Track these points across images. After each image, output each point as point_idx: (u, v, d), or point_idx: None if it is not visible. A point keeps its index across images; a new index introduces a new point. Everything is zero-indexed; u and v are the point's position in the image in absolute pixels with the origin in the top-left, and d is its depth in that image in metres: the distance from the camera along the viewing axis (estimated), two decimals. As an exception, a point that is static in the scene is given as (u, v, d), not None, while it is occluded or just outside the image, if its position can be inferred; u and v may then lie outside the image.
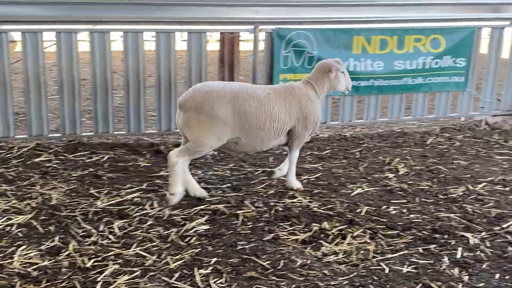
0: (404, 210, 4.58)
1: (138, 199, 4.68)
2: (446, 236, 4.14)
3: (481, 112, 7.05)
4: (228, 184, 5.04)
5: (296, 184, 4.92)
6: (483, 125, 6.96)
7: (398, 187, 5.06)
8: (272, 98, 4.61)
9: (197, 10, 5.89)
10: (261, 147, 4.76)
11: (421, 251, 3.92)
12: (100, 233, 4.07)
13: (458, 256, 3.85)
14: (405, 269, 3.67)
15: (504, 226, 4.33)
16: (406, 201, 4.78)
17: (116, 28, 6.11)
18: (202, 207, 4.54)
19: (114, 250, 3.82)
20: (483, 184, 5.16)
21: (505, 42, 6.91)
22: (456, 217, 4.47)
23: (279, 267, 3.64)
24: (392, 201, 4.76)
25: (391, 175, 5.34)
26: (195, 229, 4.16)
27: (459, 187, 5.07)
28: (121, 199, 4.65)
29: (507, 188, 5.07)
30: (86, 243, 3.92)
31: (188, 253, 3.80)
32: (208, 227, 4.22)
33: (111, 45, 5.86)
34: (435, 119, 7.04)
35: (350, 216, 4.43)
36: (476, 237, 4.13)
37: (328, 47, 6.19)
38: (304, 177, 5.21)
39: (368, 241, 4.05)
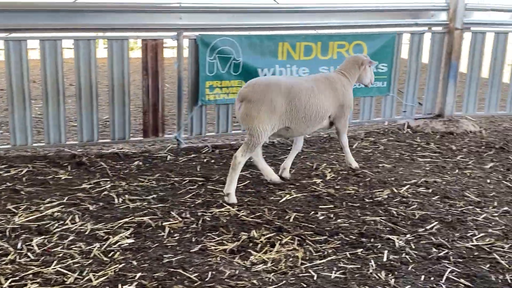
0: (332, 215, 4.60)
1: (59, 214, 4.47)
2: (372, 240, 4.18)
3: (403, 116, 7.23)
4: (154, 195, 4.90)
5: (354, 163, 5.59)
6: (406, 128, 7.14)
7: (325, 192, 5.08)
8: (316, 90, 5.08)
9: (118, 17, 5.74)
10: (307, 132, 5.31)
11: (348, 255, 3.94)
12: (18, 251, 3.85)
13: (384, 259, 3.89)
14: (333, 275, 3.67)
15: (428, 227, 4.42)
16: (333, 206, 4.80)
17: (33, 36, 5.83)
18: (127, 220, 4.38)
19: (33, 269, 3.62)
20: (407, 186, 5.26)
21: (425, 47, 7.11)
22: (382, 220, 4.52)
23: (207, 279, 3.55)
24: (320, 207, 4.77)
25: (318, 181, 5.36)
26: (119, 243, 4.01)
27: (384, 190, 5.15)
28: (40, 215, 4.43)
29: (430, 190, 5.19)
30: (3, 262, 3.70)
31: (111, 269, 3.65)
32: (133, 240, 4.07)
33: (28, 54, 5.61)
34: (360, 123, 7.16)
35: (278, 223, 4.39)
36: (401, 240, 4.19)
37: (253, 53, 6.17)
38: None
39: (297, 248, 4.02)
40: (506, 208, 4.84)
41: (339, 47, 6.52)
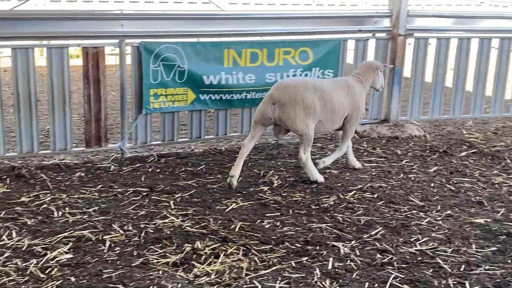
0: (278, 223, 4.56)
1: (-6, 229, 4.29)
2: (318, 247, 4.16)
3: (350, 122, 7.26)
4: (95, 208, 4.76)
5: (357, 164, 5.90)
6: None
7: (272, 200, 5.04)
8: (337, 89, 5.47)
9: (58, 24, 5.56)
10: (331, 128, 5.66)
11: (293, 264, 3.90)
12: None
13: (329, 267, 3.87)
14: (277, 285, 3.62)
15: (373, 233, 4.43)
16: (280, 213, 4.76)
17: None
18: (66, 234, 4.23)
19: (-37, 290, 3.45)
20: (353, 192, 5.28)
21: (370, 53, 7.19)
22: (327, 227, 4.51)
23: (148, 294, 3.46)
24: (266, 215, 4.72)
25: (265, 188, 5.32)
26: (57, 259, 3.87)
27: (331, 197, 5.15)
28: (-26, 231, 4.24)
29: (375, 195, 5.22)
30: None
31: (48, 286, 3.51)
32: (72, 255, 3.93)
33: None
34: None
35: (223, 233, 4.33)
36: (346, 246, 4.18)
37: (199, 60, 6.09)
38: (177, 195, 5.05)
39: (242, 258, 3.96)
40: (449, 211, 4.91)
41: (285, 53, 6.51)
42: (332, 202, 5.02)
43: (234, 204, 4.91)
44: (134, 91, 5.93)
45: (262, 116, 5.30)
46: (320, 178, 5.44)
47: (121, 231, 4.30)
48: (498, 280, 3.77)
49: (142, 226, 4.42)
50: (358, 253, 4.08)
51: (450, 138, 7.17)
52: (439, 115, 7.59)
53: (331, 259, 3.97)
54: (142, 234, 4.26)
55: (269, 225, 4.52)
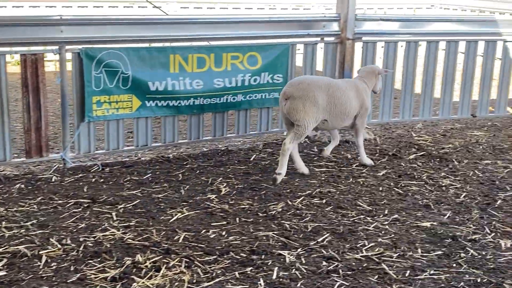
0: (224, 233, 4.46)
1: None
2: (263, 257, 4.08)
3: (301, 126, 7.22)
4: (33, 221, 4.56)
5: (367, 160, 6.15)
6: (304, 138, 7.13)
7: (219, 208, 4.93)
8: (348, 89, 5.86)
9: (-7, 30, 5.34)
10: (340, 126, 6.06)
11: (237, 275, 3.81)
12: None
13: (274, 276, 3.79)
14: (219, 298, 3.52)
15: (320, 240, 4.37)
16: (226, 222, 4.66)
17: None
18: (0, 250, 4.03)
19: None
20: (302, 198, 5.22)
21: (320, 57, 7.16)
22: (274, 235, 4.43)
23: (83, 312, 3.30)
24: (212, 224, 4.62)
25: (213, 196, 5.21)
26: (-12, 277, 3.67)
27: (279, 203, 5.08)
28: None
29: (324, 201, 5.17)
30: None
31: (-23, 308, 3.32)
32: (5, 273, 3.74)
33: None
34: (259, 134, 7.09)
35: (166, 245, 4.20)
36: (292, 255, 4.11)
37: (143, 66, 5.94)
38: (120, 206, 4.89)
39: (184, 270, 3.85)
40: (396, 215, 4.90)
41: (233, 58, 6.42)
42: (280, 209, 4.95)
43: (179, 214, 4.78)
44: (76, 98, 5.74)
45: (282, 115, 5.85)
46: (283, 173, 5.59)
47: (59, 246, 4.13)
48: (442, 285, 3.76)
49: (81, 239, 4.25)
50: (303, 261, 4.02)
51: (400, 141, 7.20)
52: (389, 118, 7.62)
53: (276, 268, 3.89)
54: (81, 248, 4.10)
55: (214, 235, 4.41)
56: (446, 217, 4.91)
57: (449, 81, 7.70)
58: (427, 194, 5.44)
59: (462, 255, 4.19)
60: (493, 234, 4.58)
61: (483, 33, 7.84)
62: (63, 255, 4.00)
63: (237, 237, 4.39)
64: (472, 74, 7.74)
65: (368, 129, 7.45)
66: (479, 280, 3.84)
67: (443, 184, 5.70)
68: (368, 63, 7.29)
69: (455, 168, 6.19)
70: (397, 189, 5.55)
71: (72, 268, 3.82)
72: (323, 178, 5.81)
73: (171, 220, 4.66)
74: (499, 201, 5.28)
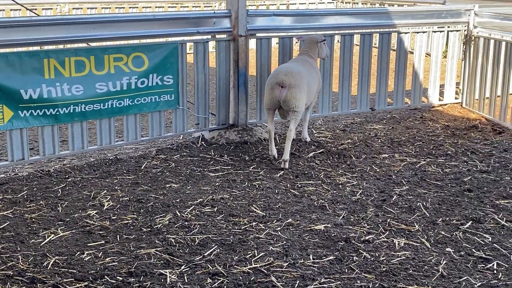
0: (100, 254, 4.04)
1: None
2: (142, 278, 3.71)
3: (197, 129, 6.88)
4: None
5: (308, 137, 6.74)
6: (200, 141, 6.80)
7: (98, 226, 4.50)
8: (311, 68, 6.36)
9: None
10: (313, 102, 6.64)
11: (110, 303, 3.41)
12: None
13: (151, 301, 3.42)
14: (85, 333, 3.11)
15: (206, 253, 4.05)
16: (104, 241, 4.25)
17: None
18: None
19: None
20: (192, 207, 4.88)
21: (212, 54, 6.85)
22: (157, 252, 4.07)
23: None
24: (88, 245, 4.19)
25: (93, 212, 4.77)
26: None
27: (167, 215, 4.71)
28: None
29: (215, 209, 4.86)
30: None
31: None
32: None
33: None
34: (152, 140, 6.67)
35: (32, 273, 3.73)
36: (174, 273, 3.76)
37: (13, 73, 5.38)
38: (-16, 231, 4.36)
39: (49, 302, 3.41)
40: (290, 220, 4.65)
41: (116, 60, 5.96)
42: (167, 222, 4.58)
43: (52, 235, 4.31)
44: None
45: (272, 101, 6.00)
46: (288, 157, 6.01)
47: None
48: (333, 294, 3.54)
49: None
50: (186, 280, 3.68)
51: (300, 139, 6.99)
52: (289, 116, 7.39)
53: (154, 291, 3.53)
54: None
55: (89, 257, 3.99)
56: (341, 217, 4.72)
57: (346, 75, 7.60)
58: (323, 194, 5.25)
59: (355, 258, 4.00)
60: (387, 233, 4.43)
61: (377, 25, 7.79)
62: None
63: (115, 257, 3.98)
64: (368, 67, 7.68)
65: (264, 128, 7.21)
66: (370, 285, 3.64)
67: (340, 182, 5.53)
68: (264, 60, 7.05)
69: (353, 164, 6.06)
70: (293, 191, 5.32)
71: None
72: (217, 184, 5.49)
73: (42, 243, 4.19)
74: (394, 197, 5.16)
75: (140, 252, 4.06)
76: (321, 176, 5.68)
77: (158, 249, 4.11)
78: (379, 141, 6.93)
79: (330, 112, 7.71)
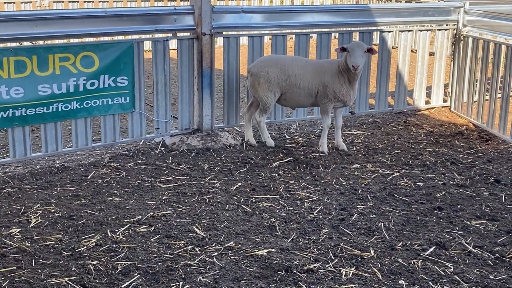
0: (5, 284, 3.57)
1: None
2: (41, 316, 3.23)
3: (157, 134, 6.40)
4: None
5: (324, 148, 6.22)
6: (160, 147, 6.31)
7: (16, 248, 4.04)
8: (306, 66, 6.20)
9: None
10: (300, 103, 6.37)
11: None
12: None
13: None
14: None
15: (124, 285, 3.57)
16: (16, 267, 3.79)
17: None
18: None
19: None
20: (127, 226, 4.40)
21: (173, 54, 6.37)
22: (69, 282, 3.61)
23: None
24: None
25: (16, 231, 4.31)
26: None
27: (96, 235, 4.24)
28: None
29: (153, 228, 4.38)
30: None
31: None
32: None
33: None
34: (106, 146, 6.20)
35: None
36: (80, 310, 3.29)
37: None
38: None
39: None
40: (231, 243, 4.16)
41: (62, 60, 5.50)
42: (93, 244, 4.11)
43: (-40, 259, 3.85)
44: None
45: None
46: (268, 138, 6.32)
47: None
48: None
49: None
50: (91, 319, 3.20)
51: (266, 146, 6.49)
52: (260, 120, 6.89)
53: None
54: None
55: (-10, 288, 3.52)
56: (289, 240, 4.22)
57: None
58: (277, 211, 4.75)
59: (292, 293, 3.51)
60: (336, 260, 3.93)
61: (358, 23, 7.26)
62: None
63: (17, 288, 3.52)
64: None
65: (234, 134, 6.72)
66: (301, 329, 3.15)
67: (299, 197, 5.03)
68: (231, 60, 6.56)
69: (318, 176, 5.55)
70: (245, 207, 4.83)
71: None
72: (164, 197, 5.01)
73: None
74: (355, 215, 4.65)
75: (51, 281, 3.60)
76: (281, 190, 5.19)
77: (72, 278, 3.64)
78: (354, 148, 6.41)
79: (306, 116, 7.21)
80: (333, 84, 6.00)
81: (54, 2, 11.78)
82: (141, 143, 6.51)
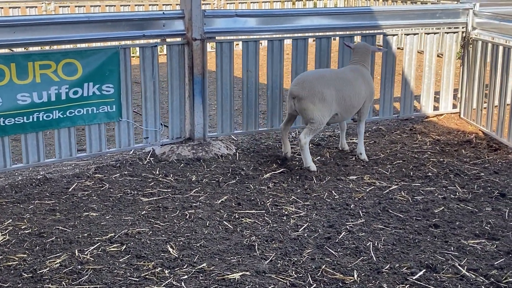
0: (-47, 309, 3.34)
1: None
2: None
3: (145, 143, 6.15)
4: None
5: (365, 156, 6.05)
6: (149, 157, 6.06)
7: (-25, 269, 3.81)
8: (354, 77, 5.94)
9: None
10: (348, 117, 6.12)
11: None
12: None
13: None
14: None
15: (80, 312, 3.31)
16: (-30, 291, 3.55)
17: None
18: None
19: None
20: (97, 245, 4.15)
21: (162, 60, 6.12)
22: (21, 308, 3.35)
23: None
24: (-51, 295, 3.50)
25: (-20, 249, 4.08)
26: None
27: (62, 255, 3.99)
28: None
29: (123, 247, 4.11)
30: None
31: None
32: None
33: None
34: (91, 157, 5.97)
35: None
36: None
37: None
38: None
39: None
40: (204, 264, 3.88)
41: (42, 68, 5.28)
42: (57, 265, 3.87)
43: None
44: None
45: (290, 109, 5.76)
46: (313, 166, 5.66)
47: None
48: None
49: None
50: None
51: (264, 154, 6.20)
52: (255, 128, 6.61)
53: None
54: None
55: None
56: (267, 261, 3.92)
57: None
58: (260, 228, 4.45)
59: (260, 324, 3.20)
60: (314, 285, 3.62)
61: (360, 26, 6.92)
62: None
63: (-31, 315, 3.28)
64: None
65: (228, 142, 6.44)
66: None
67: (286, 213, 4.72)
68: (224, 66, 6.27)
69: (310, 189, 5.23)
70: (227, 223, 4.54)
71: None
72: (143, 212, 4.75)
73: None
74: (343, 233, 4.33)
75: (3, 307, 3.36)
76: (268, 204, 4.88)
77: (25, 304, 3.40)
78: (353, 158, 6.08)
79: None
80: (372, 88, 6.02)
81: (60, 6, 11.64)
82: (130, 152, 6.27)
